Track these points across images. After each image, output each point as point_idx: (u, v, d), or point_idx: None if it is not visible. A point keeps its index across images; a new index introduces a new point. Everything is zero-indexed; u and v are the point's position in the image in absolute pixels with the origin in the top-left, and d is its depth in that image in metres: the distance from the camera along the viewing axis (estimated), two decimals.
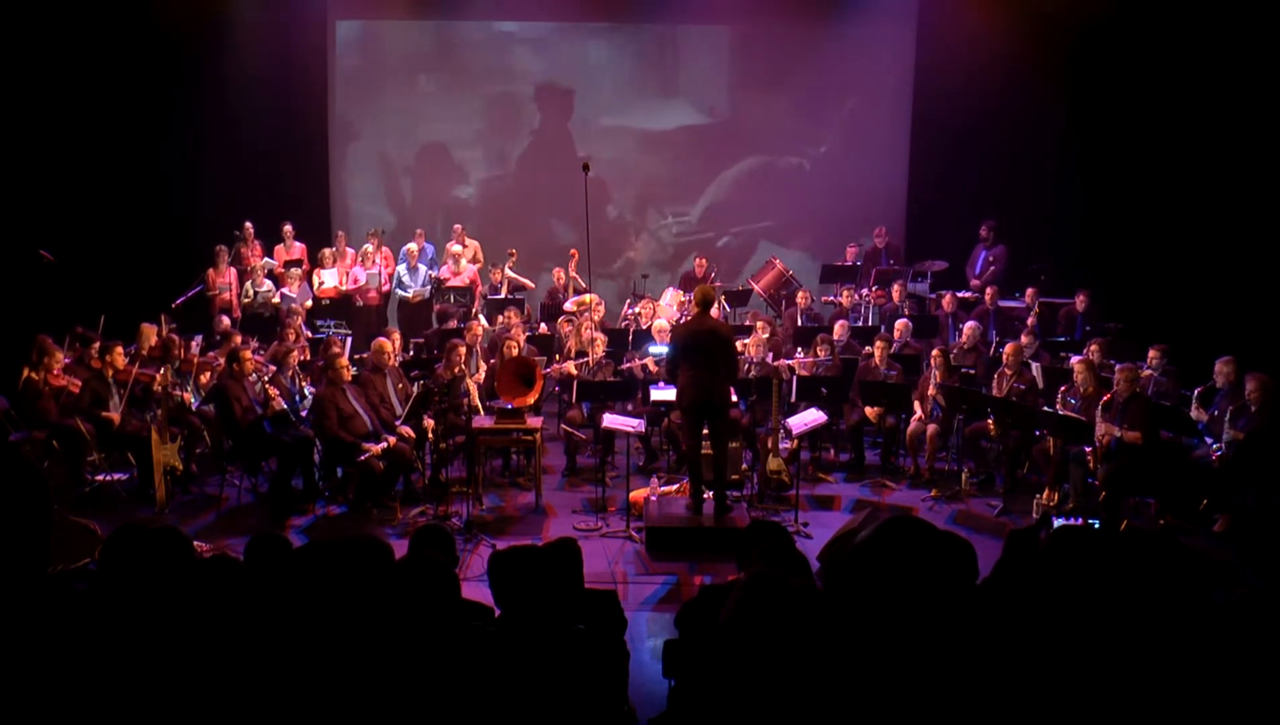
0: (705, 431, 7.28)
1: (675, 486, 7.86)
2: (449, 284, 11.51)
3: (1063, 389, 8.11)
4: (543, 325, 10.68)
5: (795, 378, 8.71)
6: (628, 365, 9.17)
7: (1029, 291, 10.79)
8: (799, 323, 10.57)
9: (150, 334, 8.94)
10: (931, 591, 2.41)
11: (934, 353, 8.85)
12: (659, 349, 9.14)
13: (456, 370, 8.39)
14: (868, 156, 13.07)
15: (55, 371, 8.00)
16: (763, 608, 2.53)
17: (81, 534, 5.87)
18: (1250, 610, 2.72)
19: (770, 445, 7.90)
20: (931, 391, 8.62)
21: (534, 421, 8.06)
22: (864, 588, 2.44)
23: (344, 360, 8.11)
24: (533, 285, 11.78)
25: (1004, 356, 8.64)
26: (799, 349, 9.42)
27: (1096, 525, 6.59)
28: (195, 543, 4.87)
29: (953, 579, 2.52)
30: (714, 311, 7.74)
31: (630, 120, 13.17)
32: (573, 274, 11.33)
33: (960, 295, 11.09)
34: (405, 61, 13.08)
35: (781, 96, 13.09)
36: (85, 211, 11.30)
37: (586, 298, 10.38)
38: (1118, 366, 7.85)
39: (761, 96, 13.10)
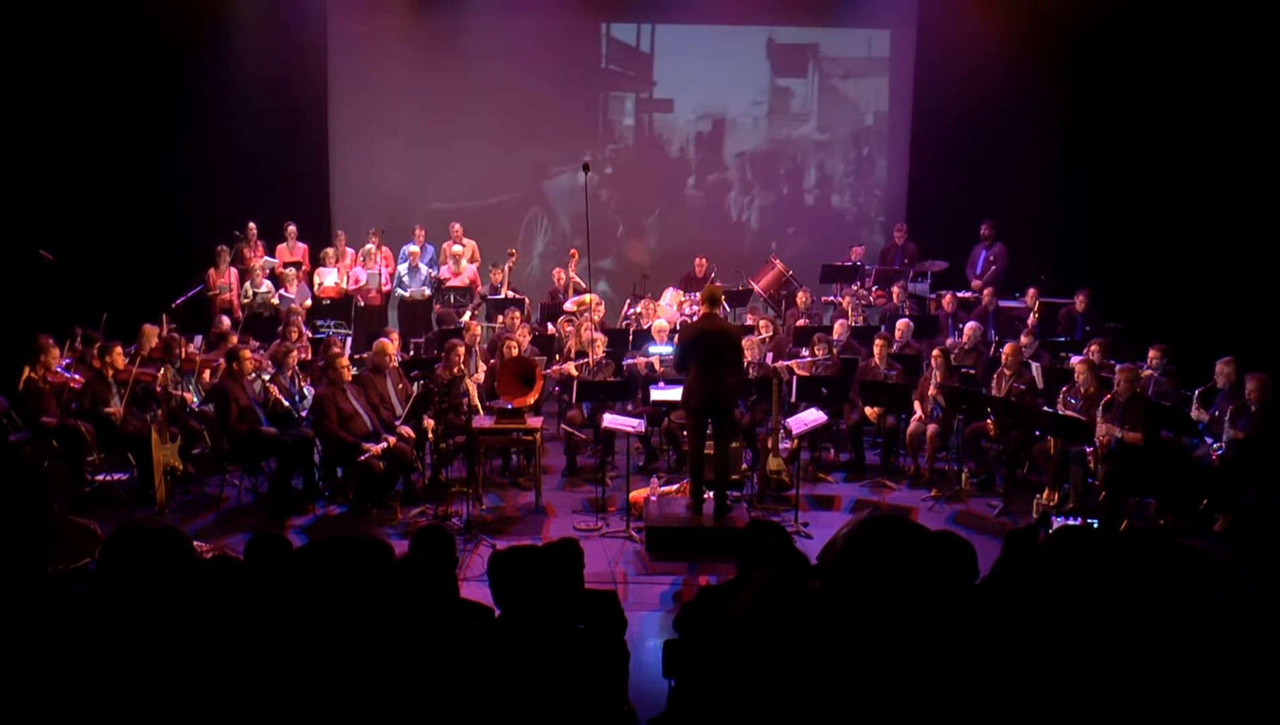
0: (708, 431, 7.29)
1: (675, 486, 7.86)
2: (449, 284, 11.48)
3: (1064, 389, 8.11)
4: (547, 325, 10.64)
5: (795, 378, 8.71)
6: (631, 361, 9.19)
7: (1029, 291, 10.78)
8: (800, 322, 10.56)
9: (151, 334, 8.93)
10: (919, 590, 2.41)
11: (934, 353, 8.84)
12: (659, 349, 9.15)
13: (456, 370, 8.39)
14: (868, 156, 13.06)
15: (52, 368, 8.01)
16: (778, 607, 2.51)
17: (81, 534, 5.87)
18: (1250, 610, 2.72)
19: (770, 445, 7.90)
20: (932, 391, 8.61)
21: (534, 421, 8.06)
22: (849, 587, 2.44)
23: (344, 360, 8.10)
24: (526, 298, 11.26)
25: (1003, 357, 8.65)
26: (803, 350, 9.42)
27: (1096, 525, 6.61)
28: (195, 543, 4.87)
29: (948, 578, 2.52)
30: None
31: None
32: (573, 274, 11.30)
33: (960, 295, 11.08)
34: (404, 60, 13.07)
35: (781, 94, 13.09)
36: (86, 211, 11.29)
37: (586, 298, 10.34)
38: (1118, 366, 7.84)
39: (759, 94, 13.10)
